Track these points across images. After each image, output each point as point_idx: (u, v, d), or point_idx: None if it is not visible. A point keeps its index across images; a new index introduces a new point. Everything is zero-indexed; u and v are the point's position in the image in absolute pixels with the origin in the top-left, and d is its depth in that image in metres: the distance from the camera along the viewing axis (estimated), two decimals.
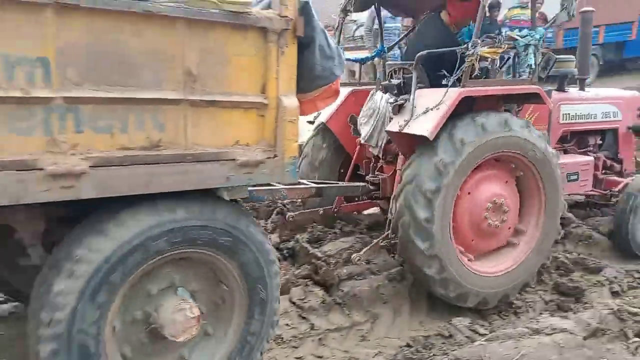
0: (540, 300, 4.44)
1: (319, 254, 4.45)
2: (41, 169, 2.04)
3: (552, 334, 3.53)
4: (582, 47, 5.41)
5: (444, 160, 3.72)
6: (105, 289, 2.33)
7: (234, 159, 2.50)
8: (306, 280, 4.32)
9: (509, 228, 4.26)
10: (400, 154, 4.24)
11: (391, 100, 4.30)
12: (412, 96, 3.92)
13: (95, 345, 2.35)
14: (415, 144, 3.95)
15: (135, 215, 2.37)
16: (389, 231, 4.17)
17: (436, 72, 4.15)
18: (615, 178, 5.41)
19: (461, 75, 3.81)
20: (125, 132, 2.22)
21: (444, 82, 4.00)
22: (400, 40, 6.09)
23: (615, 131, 5.56)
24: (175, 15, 2.21)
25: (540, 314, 4.18)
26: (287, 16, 2.47)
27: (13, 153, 2.00)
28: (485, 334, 3.73)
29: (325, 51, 2.74)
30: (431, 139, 3.69)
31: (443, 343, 3.74)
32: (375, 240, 4.36)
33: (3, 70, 1.93)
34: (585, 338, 3.53)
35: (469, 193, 4.00)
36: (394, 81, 4.57)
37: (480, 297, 4.05)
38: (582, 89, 5.43)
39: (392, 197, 4.10)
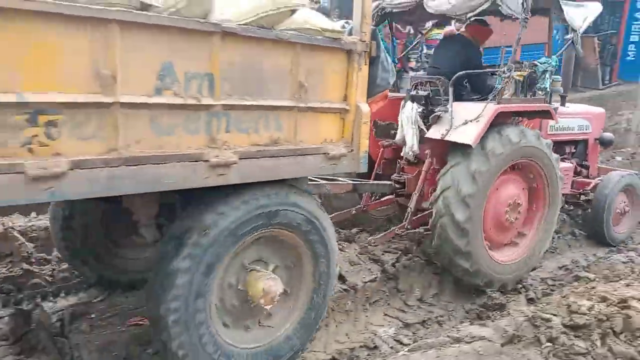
0: (461, 309, 4.76)
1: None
2: (206, 161, 2.66)
3: (471, 342, 3.68)
4: (565, 69, 6.28)
5: (479, 169, 4.44)
6: (218, 256, 2.94)
7: (326, 153, 3.23)
8: None
9: (516, 228, 5.09)
10: (429, 157, 5.03)
11: (420, 110, 4.92)
12: (450, 109, 4.65)
13: (205, 301, 2.95)
14: (446, 151, 4.70)
15: (242, 199, 2.98)
16: (406, 223, 4.95)
17: (459, 87, 4.88)
18: (585, 180, 6.38)
19: (497, 93, 4.61)
20: (256, 132, 2.90)
21: (466, 96, 4.85)
22: (405, 53, 6.93)
23: (586, 142, 6.53)
24: (294, 40, 2.91)
25: (461, 322, 4.46)
26: (365, 41, 3.24)
27: (187, 148, 2.62)
28: (409, 344, 3.94)
29: (385, 65, 3.60)
30: (474, 146, 4.42)
31: (368, 355, 3.93)
32: (392, 228, 5.07)
33: (183, 83, 2.53)
34: (502, 345, 3.69)
35: (496, 190, 4.76)
36: (421, 93, 5.13)
37: (502, 282, 4.93)
38: (563, 104, 6.18)
39: (430, 201, 4.77)
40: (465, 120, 4.53)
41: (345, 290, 4.65)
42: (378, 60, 3.44)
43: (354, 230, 5.99)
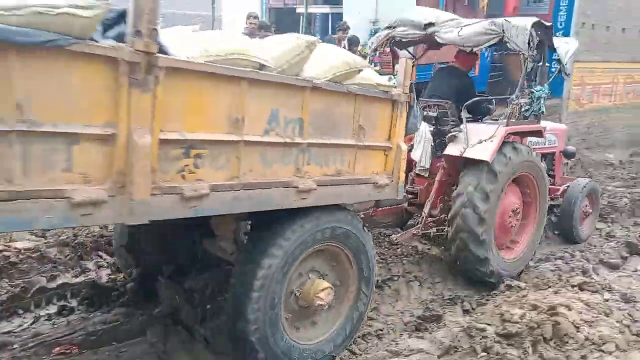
0: (400, 322, 4.84)
1: (181, 292, 4.48)
2: (295, 187, 3.37)
3: (410, 355, 3.82)
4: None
5: (490, 187, 5.21)
6: (288, 267, 3.58)
7: (375, 182, 3.97)
8: (166, 319, 4.27)
9: (515, 230, 5.82)
10: (441, 170, 5.79)
11: (430, 129, 5.77)
12: (465, 129, 5.45)
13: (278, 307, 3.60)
14: (457, 166, 5.53)
15: (310, 218, 3.65)
16: (421, 226, 5.71)
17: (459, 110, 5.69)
18: (553, 187, 7.10)
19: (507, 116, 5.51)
20: (327, 164, 3.61)
21: (463, 116, 5.60)
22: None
23: (553, 154, 7.38)
24: (358, 92, 3.68)
25: (400, 335, 4.51)
26: (407, 93, 4.05)
27: (282, 177, 3.33)
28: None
29: (415, 113, 4.37)
30: (490, 162, 5.20)
31: None
32: (411, 230, 5.78)
33: (283, 125, 3.25)
34: (439, 357, 3.83)
35: (502, 200, 5.48)
36: (431, 114, 5.96)
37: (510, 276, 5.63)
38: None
39: (452, 196, 5.43)
40: (480, 140, 5.33)
41: None
42: (411, 110, 4.22)
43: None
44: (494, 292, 5.32)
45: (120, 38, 2.50)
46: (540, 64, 5.89)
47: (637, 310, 4.72)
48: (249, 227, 3.90)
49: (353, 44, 9.85)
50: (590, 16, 14.01)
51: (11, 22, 2.09)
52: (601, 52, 14.21)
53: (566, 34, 13.67)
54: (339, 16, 13.15)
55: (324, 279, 3.91)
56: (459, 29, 5.48)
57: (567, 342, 3.94)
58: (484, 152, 5.28)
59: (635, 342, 4.05)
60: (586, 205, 7.32)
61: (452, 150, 5.49)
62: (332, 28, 14.99)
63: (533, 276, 5.69)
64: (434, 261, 5.87)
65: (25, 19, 2.12)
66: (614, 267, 6.17)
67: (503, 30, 5.30)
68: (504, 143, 5.41)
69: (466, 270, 5.57)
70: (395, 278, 5.54)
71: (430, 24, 5.65)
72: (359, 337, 4.43)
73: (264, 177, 3.21)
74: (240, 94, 2.95)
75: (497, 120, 5.79)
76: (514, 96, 5.54)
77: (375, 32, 10.94)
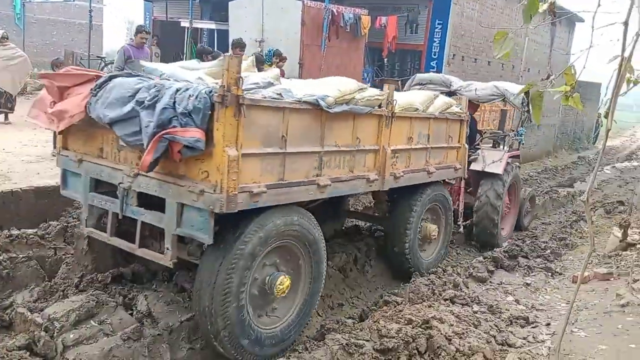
0: None
1: (40, 320, 4.18)
2: (427, 171, 6.35)
3: None
4: (502, 119, 10.29)
5: (501, 190, 8.26)
6: (422, 214, 6.61)
7: (455, 167, 6.96)
8: (22, 351, 3.92)
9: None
10: (469, 178, 8.17)
11: None
12: (481, 154, 8.32)
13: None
14: (476, 177, 8.38)
15: (429, 188, 6.66)
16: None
17: None
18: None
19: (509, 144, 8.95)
20: (437, 158, 6.60)
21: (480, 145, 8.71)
22: None
23: None
24: (449, 117, 6.66)
25: (288, 357, 4.37)
26: (466, 114, 7.10)
27: (422, 166, 6.29)
28: None
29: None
30: (502, 174, 8.14)
31: None
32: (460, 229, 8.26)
33: (423, 138, 6.23)
34: None
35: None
36: None
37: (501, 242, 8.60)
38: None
39: (477, 196, 8.33)
40: (493, 161, 8.18)
41: (159, 334, 4.33)
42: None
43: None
44: (373, 307, 5.44)
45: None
46: (525, 115, 8.76)
47: (502, 320, 5.04)
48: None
49: (259, 62, 9.78)
50: (460, 49, 15.22)
51: (357, 103, 4.89)
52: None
53: (439, 64, 14.71)
54: (225, 33, 13.03)
55: (433, 224, 6.89)
56: (475, 90, 8.37)
57: (440, 355, 4.09)
58: (497, 168, 8.15)
59: (501, 351, 4.31)
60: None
61: (475, 166, 8.20)
62: (218, 44, 14.81)
63: (409, 291, 5.85)
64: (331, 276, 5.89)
65: (362, 101, 4.94)
66: (481, 281, 6.57)
67: (504, 93, 8.28)
68: (508, 163, 8.38)
69: (483, 241, 8.47)
70: None
71: (455, 87, 8.64)
72: None
73: (417, 166, 6.11)
74: (412, 125, 5.96)
75: (497, 147, 8.89)
76: (512, 134, 9.16)
77: (262, 52, 10.97)
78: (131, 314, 4.62)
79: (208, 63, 5.66)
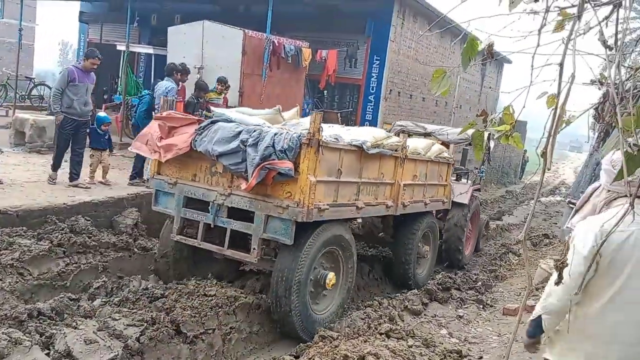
0: None
1: None
2: (424, 202, 7.82)
3: None
4: (463, 157, 11.38)
5: (467, 215, 9.58)
6: (420, 236, 7.97)
7: (443, 201, 8.52)
8: None
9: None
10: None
11: None
12: (451, 186, 8.95)
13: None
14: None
15: (424, 217, 8.18)
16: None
17: None
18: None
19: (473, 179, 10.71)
20: (431, 193, 8.08)
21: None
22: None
23: None
24: (440, 161, 8.18)
25: None
26: (452, 158, 8.81)
27: (420, 198, 7.73)
28: None
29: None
30: (467, 204, 9.48)
31: None
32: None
33: (422, 176, 7.62)
34: None
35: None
36: None
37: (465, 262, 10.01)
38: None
39: (447, 220, 9.49)
40: (460, 192, 9.39)
41: None
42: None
43: None
44: (307, 343, 5.31)
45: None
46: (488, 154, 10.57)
47: (436, 354, 5.05)
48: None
49: (202, 89, 9.66)
50: (397, 84, 15.68)
51: (384, 147, 6.37)
52: (405, 116, 15.86)
53: (377, 98, 15.06)
54: (163, 58, 12.79)
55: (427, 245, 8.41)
56: (447, 134, 9.74)
57: None
58: (464, 199, 9.43)
59: None
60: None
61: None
62: (155, 69, 14.50)
63: (345, 325, 5.79)
64: (252, 309, 5.68)
65: (387, 146, 6.45)
66: (416, 313, 6.61)
67: (469, 138, 9.17)
68: (471, 195, 9.72)
69: (451, 259, 9.52)
70: (210, 331, 5.22)
71: (429, 131, 10.06)
72: None
73: (418, 198, 7.53)
74: (416, 165, 7.37)
75: (460, 181, 10.28)
76: (477, 170, 11.05)
77: (201, 79, 10.83)
78: (48, 354, 4.27)
79: (262, 111, 6.98)
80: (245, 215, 5.68)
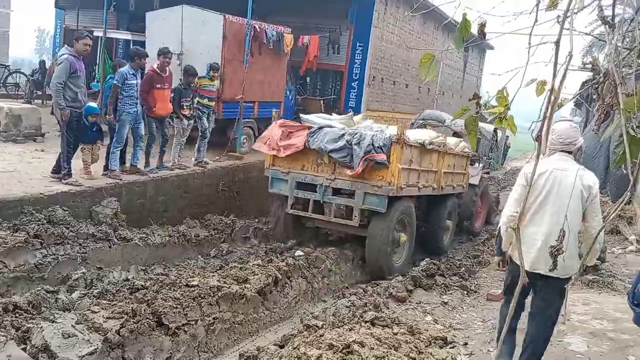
0: None
1: None
2: (451, 186, 9.77)
3: None
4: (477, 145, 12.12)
5: (479, 187, 11.49)
6: (450, 211, 10.16)
7: (462, 185, 10.37)
8: None
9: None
10: None
11: None
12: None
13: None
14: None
15: (451, 198, 10.18)
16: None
17: None
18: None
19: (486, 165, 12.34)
20: (455, 179, 9.96)
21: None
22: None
23: None
24: (462, 154, 10.00)
25: None
26: (472, 152, 10.58)
27: (449, 183, 9.70)
28: None
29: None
30: (478, 184, 11.25)
31: None
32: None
33: (451, 166, 9.66)
34: None
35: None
36: None
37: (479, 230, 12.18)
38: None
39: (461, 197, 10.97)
40: (472, 175, 10.77)
41: None
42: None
43: None
44: (292, 333, 5.24)
45: None
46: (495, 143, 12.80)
47: (421, 341, 5.02)
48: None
49: (190, 75, 9.34)
50: (380, 71, 15.58)
51: (435, 144, 8.65)
52: (389, 103, 15.81)
53: (360, 85, 14.95)
54: (141, 44, 12.49)
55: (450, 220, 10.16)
56: (461, 126, 10.23)
57: None
58: (475, 180, 11.03)
59: None
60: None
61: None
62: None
63: (329, 314, 5.73)
64: (235, 299, 5.58)
65: (436, 143, 8.74)
66: (401, 301, 6.58)
67: (480, 130, 10.41)
68: (481, 177, 11.42)
69: (465, 227, 11.28)
70: (192, 322, 5.12)
71: (447, 122, 11.55)
72: None
73: (449, 183, 9.50)
74: (451, 158, 9.47)
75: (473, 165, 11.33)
76: (486, 157, 12.28)
77: (180, 64, 10.60)
78: (24, 349, 4.15)
79: (338, 117, 9.10)
80: (342, 194, 7.92)
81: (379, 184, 7.44)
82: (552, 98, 1.38)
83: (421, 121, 11.88)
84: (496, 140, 12.25)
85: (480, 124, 10.56)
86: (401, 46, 16.20)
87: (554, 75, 1.34)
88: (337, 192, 7.85)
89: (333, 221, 7.96)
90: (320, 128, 7.82)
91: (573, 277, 3.95)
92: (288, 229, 8.51)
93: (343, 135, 7.56)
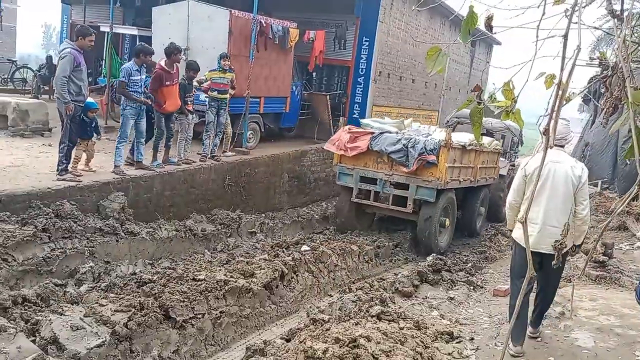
0: None
1: None
2: (485, 178, 11.23)
3: None
4: (504, 141, 13.44)
5: (507, 177, 12.41)
6: (481, 200, 11.65)
7: (493, 177, 11.81)
8: None
9: None
10: None
11: None
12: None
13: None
14: None
15: (483, 189, 11.65)
16: None
17: None
18: None
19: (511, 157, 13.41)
20: (488, 172, 11.41)
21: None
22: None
23: None
24: (494, 150, 11.38)
25: None
26: (502, 148, 12.35)
27: (482, 176, 11.03)
28: None
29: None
30: (506, 175, 12.39)
31: None
32: None
33: (485, 161, 11.09)
34: None
35: None
36: None
37: None
38: None
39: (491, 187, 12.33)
40: (501, 167, 12.15)
41: None
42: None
43: None
44: (299, 327, 5.25)
45: None
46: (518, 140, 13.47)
47: (428, 336, 5.02)
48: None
49: (192, 70, 9.33)
50: (386, 66, 15.53)
51: (472, 145, 10.12)
52: (395, 98, 15.74)
53: (367, 80, 14.91)
54: (147, 39, 12.51)
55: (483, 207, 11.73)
56: (491, 123, 12.47)
57: None
58: (504, 171, 12.36)
59: None
60: None
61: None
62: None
63: (336, 308, 5.74)
64: (242, 293, 5.60)
65: (473, 144, 10.09)
66: (407, 296, 6.59)
67: (508, 127, 12.64)
68: (508, 169, 12.62)
69: (493, 214, 12.32)
70: (199, 316, 5.15)
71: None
72: None
73: (482, 176, 10.92)
74: (483, 155, 10.78)
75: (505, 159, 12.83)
76: (513, 151, 13.34)
77: (186, 60, 10.61)
78: (33, 341, 4.18)
79: (391, 121, 11.01)
80: (398, 187, 9.64)
81: (430, 179, 9.17)
82: (560, 91, 1.38)
83: (455, 119, 13.38)
84: (521, 137, 13.24)
85: (509, 122, 11.53)
86: (408, 41, 16.13)
87: (562, 69, 1.33)
88: (393, 185, 9.64)
89: (390, 208, 9.74)
90: (381, 133, 9.68)
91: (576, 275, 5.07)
92: (351, 216, 10.20)
93: (400, 139, 9.39)
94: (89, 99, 8.07)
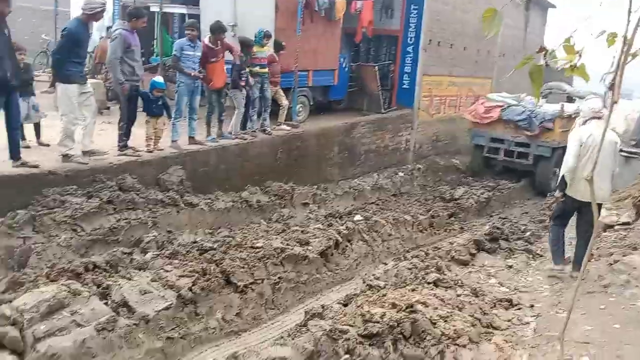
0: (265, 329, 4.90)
1: (8, 312, 4.02)
2: None
3: None
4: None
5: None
6: None
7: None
8: None
9: None
10: None
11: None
12: None
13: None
14: None
15: None
16: None
17: None
18: None
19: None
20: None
21: None
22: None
23: None
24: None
25: (262, 343, 4.57)
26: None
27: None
28: None
29: None
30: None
31: None
32: None
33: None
34: None
35: None
36: None
37: None
38: None
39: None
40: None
41: (135, 324, 4.26)
42: None
43: None
44: (355, 293, 5.29)
45: None
46: None
47: (486, 303, 4.98)
48: None
49: (246, 45, 9.43)
50: (436, 34, 15.12)
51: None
52: (447, 67, 15.36)
53: (416, 49, 14.59)
54: (196, 17, 12.66)
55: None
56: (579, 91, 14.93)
57: (425, 338, 4.02)
58: None
59: (486, 333, 4.24)
60: None
61: None
62: None
63: (392, 275, 5.76)
64: (299, 260, 5.70)
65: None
66: (464, 264, 6.53)
67: (592, 92, 12.15)
68: None
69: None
70: (259, 281, 5.29)
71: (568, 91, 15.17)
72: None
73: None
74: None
75: None
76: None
77: (235, 35, 10.67)
78: (106, 304, 4.42)
79: (511, 95, 13.60)
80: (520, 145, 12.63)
81: (547, 140, 12.24)
82: (626, 46, 1.31)
83: (547, 90, 15.07)
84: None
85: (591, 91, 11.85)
86: (458, 7, 15.63)
87: (628, 22, 1.26)
88: (516, 144, 12.72)
89: (515, 161, 12.82)
90: (509, 106, 12.85)
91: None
92: (482, 166, 13.67)
93: (524, 111, 12.49)
94: (157, 78, 8.25)
